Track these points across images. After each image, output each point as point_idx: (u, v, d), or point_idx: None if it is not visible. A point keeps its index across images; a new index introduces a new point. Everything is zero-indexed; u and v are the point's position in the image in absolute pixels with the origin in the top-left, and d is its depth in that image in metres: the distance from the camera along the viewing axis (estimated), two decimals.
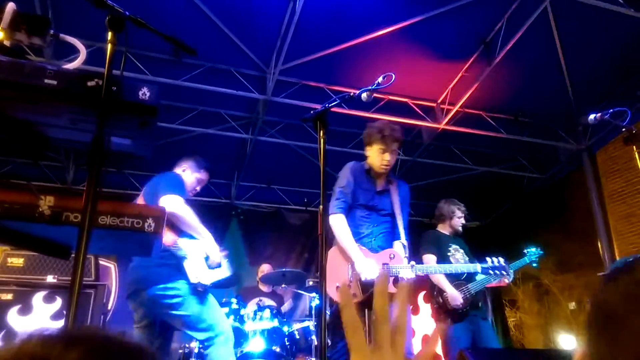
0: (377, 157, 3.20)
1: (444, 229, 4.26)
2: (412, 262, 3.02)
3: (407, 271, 2.96)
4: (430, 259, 4.01)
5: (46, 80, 1.41)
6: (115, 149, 1.57)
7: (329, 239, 3.03)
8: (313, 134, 5.76)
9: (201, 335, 2.88)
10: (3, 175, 6.39)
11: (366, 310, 2.77)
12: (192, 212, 2.85)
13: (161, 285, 2.83)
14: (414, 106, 5.91)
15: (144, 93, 1.48)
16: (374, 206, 3.20)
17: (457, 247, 4.13)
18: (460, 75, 5.52)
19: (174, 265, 2.85)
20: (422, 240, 4.18)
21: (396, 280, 2.98)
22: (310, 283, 5.34)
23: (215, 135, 5.99)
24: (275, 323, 4.51)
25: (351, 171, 3.24)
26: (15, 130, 1.59)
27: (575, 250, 6.36)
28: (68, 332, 0.49)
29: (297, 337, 4.61)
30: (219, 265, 2.98)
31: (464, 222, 4.27)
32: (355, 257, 2.93)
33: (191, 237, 2.96)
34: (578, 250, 6.33)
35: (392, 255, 3.04)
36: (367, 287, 2.89)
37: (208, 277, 2.93)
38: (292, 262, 7.15)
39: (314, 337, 4.48)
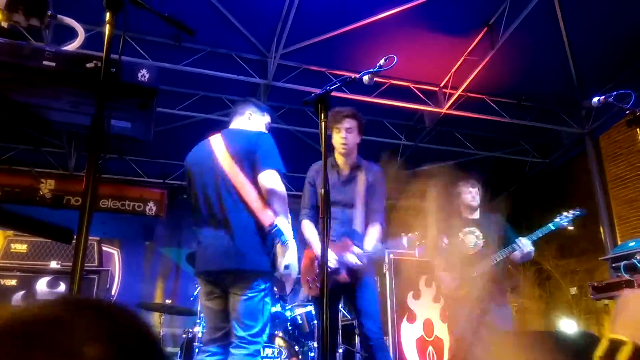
0: (335, 138, 3.21)
1: (462, 210, 4.11)
2: (358, 251, 3.01)
3: (351, 256, 2.98)
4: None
5: (45, 62, 1.39)
6: (115, 132, 1.56)
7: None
8: (314, 119, 5.73)
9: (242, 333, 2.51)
10: (5, 161, 6.38)
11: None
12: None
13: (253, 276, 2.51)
14: (416, 90, 5.87)
15: (143, 75, 1.46)
16: (339, 202, 3.16)
17: (473, 228, 3.98)
18: (463, 58, 5.47)
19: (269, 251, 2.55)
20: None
21: (349, 270, 3.01)
22: None
23: (216, 120, 5.97)
24: (278, 308, 4.54)
25: (308, 179, 3.31)
26: (15, 113, 1.58)
27: (577, 235, 6.34)
28: (79, 298, 0.50)
29: (300, 321, 4.64)
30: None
31: (474, 195, 4.05)
32: (317, 251, 3.03)
33: None
34: (580, 235, 6.32)
35: (345, 245, 3.06)
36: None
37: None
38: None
39: (316, 321, 4.51)
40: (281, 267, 2.47)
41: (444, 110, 5.85)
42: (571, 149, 6.62)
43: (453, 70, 5.64)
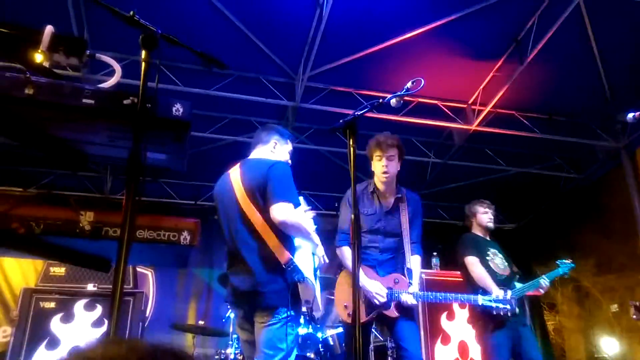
0: (376, 166, 3.22)
1: (477, 230, 4.11)
2: (414, 289, 3.02)
3: (408, 297, 2.98)
4: (473, 261, 3.87)
5: (84, 100, 1.46)
6: (150, 164, 1.61)
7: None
8: (342, 139, 5.75)
9: None
10: (43, 187, 6.62)
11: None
12: (302, 217, 2.61)
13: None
14: (444, 108, 5.83)
15: (177, 109, 1.51)
16: (378, 229, 3.16)
17: (495, 251, 3.99)
18: (491, 75, 5.43)
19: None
20: (461, 243, 4.04)
21: (399, 305, 3.01)
22: None
23: (246, 142, 6.05)
24: (309, 329, 4.52)
25: (348, 202, 3.23)
26: (56, 149, 1.65)
27: (615, 251, 6.16)
28: (151, 344, 0.52)
29: (331, 343, 4.60)
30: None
31: (491, 217, 4.06)
32: (362, 280, 3.00)
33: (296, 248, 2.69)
34: (618, 251, 6.13)
35: (396, 280, 3.07)
36: (371, 309, 3.03)
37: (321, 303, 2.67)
38: (324, 268, 7.13)
39: (344, 344, 4.47)
40: (302, 303, 2.52)
41: (473, 127, 5.79)
42: (607, 163, 6.44)
43: (482, 86, 5.59)
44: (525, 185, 7.09)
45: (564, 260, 3.99)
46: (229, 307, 4.48)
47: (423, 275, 4.95)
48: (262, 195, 2.58)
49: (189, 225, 1.54)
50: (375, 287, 2.99)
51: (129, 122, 1.46)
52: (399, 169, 3.23)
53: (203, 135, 5.81)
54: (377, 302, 2.97)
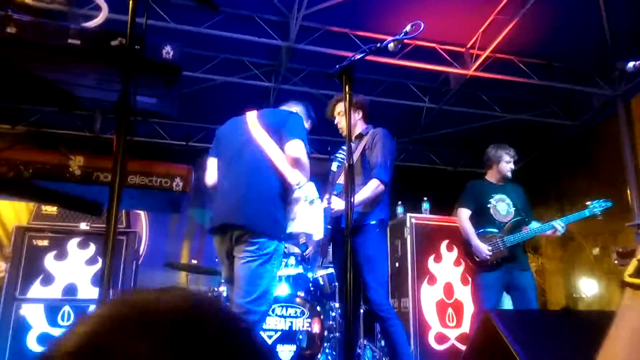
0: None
1: (491, 176, 4.13)
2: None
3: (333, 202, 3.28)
4: (461, 213, 4.00)
5: (70, 40, 1.40)
6: (141, 108, 1.57)
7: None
8: (337, 82, 5.65)
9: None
10: (32, 124, 6.51)
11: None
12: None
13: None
14: (441, 51, 5.70)
15: (168, 52, 1.46)
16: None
17: (503, 196, 4.00)
18: (492, 17, 5.26)
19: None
20: (461, 192, 4.13)
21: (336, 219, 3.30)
22: None
23: (238, 83, 5.94)
24: (300, 269, 4.63)
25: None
26: (42, 90, 1.60)
27: (603, 197, 6.25)
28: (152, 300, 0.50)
29: (322, 283, 4.73)
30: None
31: (512, 167, 4.08)
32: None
33: None
34: (606, 197, 6.22)
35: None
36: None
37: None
38: None
39: (337, 283, 4.60)
40: (303, 227, 2.55)
41: (470, 72, 5.69)
42: (601, 111, 6.42)
43: (481, 30, 5.44)
44: (518, 131, 7.08)
45: (595, 201, 3.95)
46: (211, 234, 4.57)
47: (413, 220, 5.04)
48: (277, 134, 2.70)
49: (182, 172, 1.52)
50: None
51: (118, 64, 1.41)
52: (357, 117, 3.51)
53: (194, 75, 5.67)
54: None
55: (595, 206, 3.92)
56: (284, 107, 3.14)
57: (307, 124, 3.09)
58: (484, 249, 3.82)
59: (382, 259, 3.28)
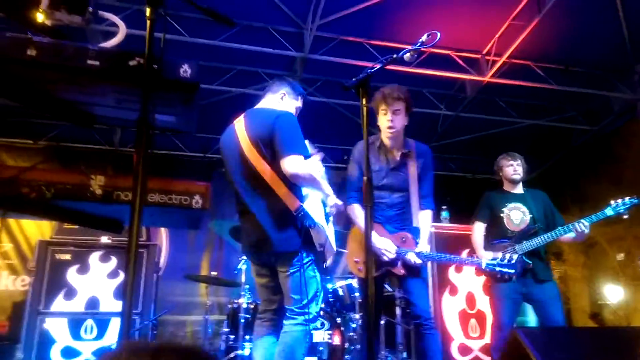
0: (381, 120, 3.13)
1: (505, 185, 4.07)
2: (420, 249, 3.01)
3: (413, 256, 2.97)
4: (474, 227, 3.96)
5: (89, 61, 1.42)
6: (160, 126, 1.58)
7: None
8: (352, 92, 5.63)
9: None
10: (52, 139, 6.63)
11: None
12: (313, 168, 2.61)
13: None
14: (457, 58, 5.66)
15: (185, 70, 1.47)
16: (384, 186, 3.11)
17: (519, 204, 3.91)
18: (507, 23, 5.22)
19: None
20: (478, 204, 4.09)
21: (405, 264, 3.00)
22: None
23: (254, 95, 5.97)
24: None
25: (356, 156, 3.21)
26: (61, 111, 1.62)
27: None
28: (154, 344, 0.52)
29: (341, 293, 4.71)
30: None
31: (516, 169, 3.98)
32: (372, 237, 3.03)
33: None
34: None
35: (403, 239, 3.06)
36: (380, 265, 3.02)
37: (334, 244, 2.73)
38: (334, 219, 7.19)
39: (357, 294, 4.56)
40: (317, 247, 2.58)
41: (487, 79, 5.64)
42: (622, 115, 6.29)
43: (497, 36, 5.40)
44: (537, 137, 6.98)
45: (619, 201, 3.68)
46: (240, 258, 4.58)
47: (433, 229, 4.98)
48: (267, 146, 2.58)
49: (201, 189, 1.53)
50: (384, 244, 3.00)
51: (136, 83, 1.42)
52: (406, 122, 3.13)
53: (210, 88, 5.72)
54: (386, 259, 2.99)
55: (620, 204, 3.66)
56: (269, 95, 2.91)
57: (298, 102, 2.93)
58: (487, 258, 3.64)
59: (425, 269, 3.21)
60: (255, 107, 2.89)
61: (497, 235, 3.85)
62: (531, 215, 3.87)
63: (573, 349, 1.17)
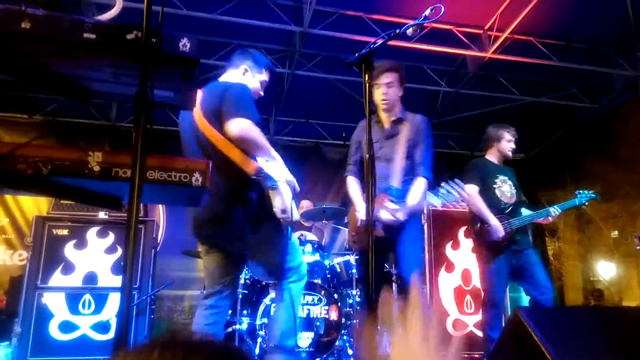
0: (376, 95, 3.17)
1: (491, 155, 3.98)
2: (391, 206, 2.99)
3: (384, 212, 2.97)
4: (471, 189, 3.80)
5: (85, 35, 1.37)
6: (158, 101, 1.54)
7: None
8: (352, 68, 5.55)
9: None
10: (49, 114, 6.55)
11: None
12: (262, 134, 2.47)
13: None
14: (459, 34, 5.58)
15: (184, 44, 1.42)
16: (379, 157, 3.11)
17: (506, 178, 3.89)
18: None
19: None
20: (465, 169, 3.95)
21: (386, 225, 3.01)
22: None
23: None
24: (317, 257, 4.63)
25: (356, 132, 3.34)
26: (58, 86, 1.58)
27: (622, 179, 6.13)
28: (187, 340, 0.51)
29: (339, 270, 4.74)
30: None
31: (513, 146, 3.95)
32: (357, 206, 3.17)
33: None
34: (625, 179, 6.11)
35: (380, 199, 3.07)
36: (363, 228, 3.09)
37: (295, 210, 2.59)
38: (331, 196, 7.20)
39: (354, 270, 4.59)
40: (278, 213, 2.43)
41: (488, 55, 5.57)
42: (623, 93, 6.25)
43: (499, 11, 5.30)
44: (537, 114, 6.95)
45: (583, 191, 3.93)
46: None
47: (430, 207, 4.98)
48: (216, 118, 2.46)
49: (201, 166, 1.50)
50: (360, 210, 3.09)
51: (134, 58, 1.38)
52: (400, 94, 3.19)
53: (207, 62, 5.63)
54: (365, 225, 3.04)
55: (583, 196, 3.92)
56: (230, 70, 2.79)
57: (263, 75, 2.79)
58: (501, 229, 3.67)
59: (421, 247, 3.29)
60: (218, 80, 2.79)
61: (489, 206, 3.76)
62: (516, 190, 3.89)
63: (577, 329, 1.17)
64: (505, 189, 3.86)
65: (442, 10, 2.11)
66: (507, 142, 3.94)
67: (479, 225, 3.81)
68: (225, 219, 2.47)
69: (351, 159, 3.32)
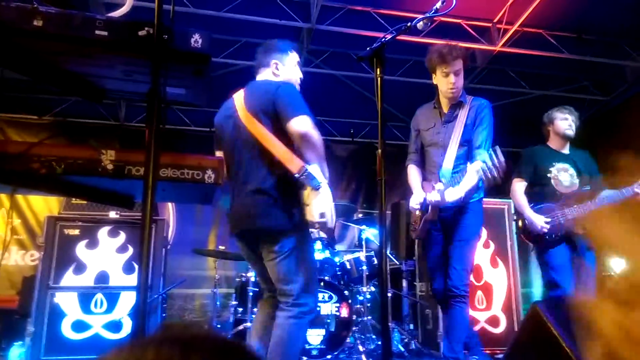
0: (441, 82, 3.05)
1: (551, 141, 3.69)
2: (439, 187, 2.90)
3: (432, 194, 2.89)
4: (515, 186, 3.59)
5: (97, 32, 1.36)
6: (170, 99, 1.53)
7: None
8: (360, 63, 5.52)
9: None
10: (58, 114, 6.58)
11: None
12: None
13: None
14: (467, 27, 5.53)
15: (196, 41, 1.41)
16: (436, 143, 3.04)
17: (566, 165, 3.54)
18: None
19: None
20: (519, 161, 3.72)
21: (441, 216, 2.93)
22: (359, 215, 5.39)
23: None
24: (327, 254, 4.62)
25: (414, 120, 3.25)
26: (70, 84, 1.58)
27: (635, 171, 6.06)
28: (185, 336, 0.48)
29: (349, 267, 4.72)
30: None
31: (570, 123, 3.62)
32: (413, 194, 3.08)
33: None
34: (637, 171, 6.03)
35: (430, 184, 3.03)
36: (424, 221, 3.00)
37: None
38: (340, 193, 7.18)
39: (364, 267, 4.58)
40: (315, 216, 2.31)
41: (497, 48, 5.52)
42: (635, 84, 6.18)
43: (508, 4, 5.25)
44: (547, 108, 6.85)
45: None
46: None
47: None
48: (268, 116, 2.41)
49: (213, 164, 1.48)
50: (415, 199, 3.02)
51: (146, 55, 1.37)
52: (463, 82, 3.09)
53: (216, 60, 5.63)
54: (418, 210, 3.00)
55: None
56: (263, 70, 2.70)
57: (293, 56, 2.72)
58: (539, 222, 3.44)
59: (476, 240, 3.03)
60: (255, 80, 2.73)
61: (543, 197, 3.52)
62: (580, 177, 3.55)
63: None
64: (563, 177, 3.53)
65: (454, 3, 2.08)
66: (561, 122, 3.66)
67: (520, 221, 3.63)
68: (261, 215, 2.39)
69: (412, 148, 3.23)
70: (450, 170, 2.94)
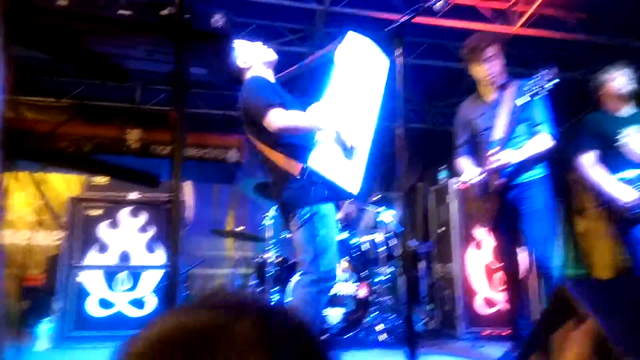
0: (478, 71, 3.08)
1: (610, 107, 3.24)
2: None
3: (496, 158, 2.86)
4: (585, 160, 3.16)
5: (120, 11, 1.39)
6: (192, 79, 1.56)
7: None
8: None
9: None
10: (75, 97, 6.65)
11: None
12: (297, 113, 2.39)
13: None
14: (483, 8, 5.45)
15: (217, 20, 1.43)
16: (490, 126, 3.01)
17: (637, 127, 3.08)
18: None
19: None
20: (579, 134, 3.31)
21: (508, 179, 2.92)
22: (376, 198, 5.39)
23: (273, 50, 5.86)
24: (345, 235, 4.64)
25: (458, 115, 3.30)
26: (94, 64, 1.61)
27: None
28: (234, 301, 0.51)
29: (367, 248, 4.74)
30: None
31: (625, 79, 3.16)
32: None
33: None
34: None
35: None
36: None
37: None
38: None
39: (382, 248, 4.60)
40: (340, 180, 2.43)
41: (514, 30, 5.43)
42: None
43: None
44: (565, 91, 6.73)
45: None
46: (264, 215, 4.63)
47: (455, 186, 4.94)
48: (253, 125, 2.49)
49: (236, 142, 1.52)
50: (467, 175, 3.09)
51: (168, 34, 1.40)
52: (503, 62, 3.07)
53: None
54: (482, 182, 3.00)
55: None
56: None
57: (255, 47, 2.78)
58: (624, 195, 3.01)
59: (553, 215, 2.98)
60: None
61: (615, 169, 3.08)
62: None
63: (624, 301, 1.15)
64: (635, 142, 3.08)
65: None
66: (612, 82, 3.20)
67: (600, 203, 3.21)
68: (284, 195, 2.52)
69: (459, 141, 3.24)
70: (503, 139, 2.89)
